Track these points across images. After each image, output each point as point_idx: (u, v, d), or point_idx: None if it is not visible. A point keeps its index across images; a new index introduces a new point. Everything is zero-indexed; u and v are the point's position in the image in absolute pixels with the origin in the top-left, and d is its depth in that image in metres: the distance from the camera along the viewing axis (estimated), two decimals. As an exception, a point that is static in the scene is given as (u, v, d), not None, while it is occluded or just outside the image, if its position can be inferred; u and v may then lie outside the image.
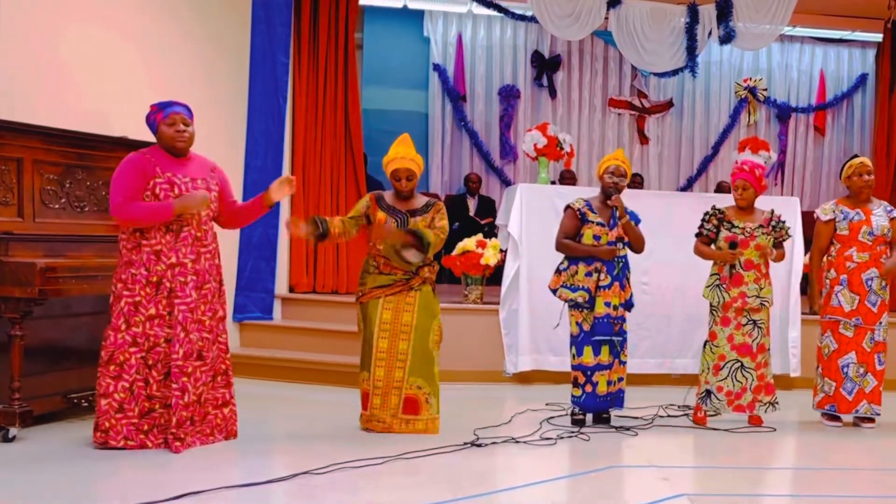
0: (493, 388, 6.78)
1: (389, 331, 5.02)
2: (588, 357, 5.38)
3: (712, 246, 5.63)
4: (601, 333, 5.35)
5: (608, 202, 5.40)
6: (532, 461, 4.68)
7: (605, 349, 5.38)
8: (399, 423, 5.02)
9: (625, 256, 5.44)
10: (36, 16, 5.27)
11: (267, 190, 4.79)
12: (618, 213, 5.35)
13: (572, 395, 5.48)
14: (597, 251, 5.33)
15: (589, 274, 5.35)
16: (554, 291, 5.47)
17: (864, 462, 4.98)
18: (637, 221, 5.50)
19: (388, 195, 5.15)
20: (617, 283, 5.36)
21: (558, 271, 5.49)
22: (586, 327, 5.37)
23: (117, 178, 4.46)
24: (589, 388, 5.39)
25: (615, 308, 5.35)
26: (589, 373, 5.38)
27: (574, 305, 5.40)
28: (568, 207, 5.49)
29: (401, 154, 5.06)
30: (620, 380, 5.47)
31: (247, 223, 5.05)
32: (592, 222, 5.38)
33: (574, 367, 5.46)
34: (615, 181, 5.39)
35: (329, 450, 4.56)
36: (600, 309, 5.33)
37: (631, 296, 5.47)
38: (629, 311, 5.49)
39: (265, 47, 7.39)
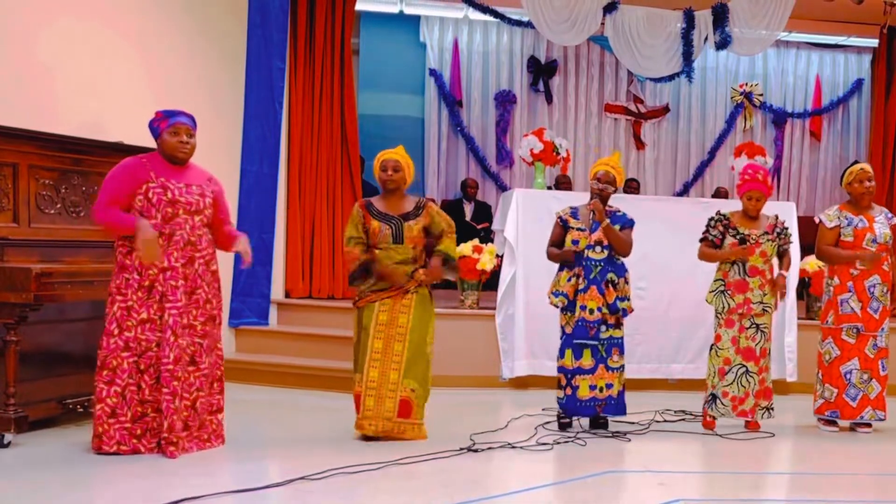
0: (490, 394, 6.77)
1: (385, 332, 5.01)
2: (568, 360, 5.40)
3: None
4: (579, 337, 5.37)
5: (588, 207, 5.43)
6: (528, 466, 4.67)
7: (586, 353, 5.38)
8: (392, 427, 4.99)
9: (605, 260, 5.39)
10: (31, 20, 5.26)
11: (237, 239, 4.78)
12: (595, 217, 5.37)
13: (557, 397, 5.51)
14: (560, 255, 5.43)
15: (569, 279, 5.40)
16: (549, 298, 5.53)
17: (861, 467, 4.98)
18: (627, 225, 5.48)
19: (376, 200, 5.17)
20: (594, 287, 5.35)
21: (554, 278, 5.54)
22: (568, 330, 5.42)
23: (107, 180, 4.50)
24: (569, 391, 5.41)
25: (591, 312, 5.35)
26: (569, 375, 5.40)
27: (561, 309, 5.46)
28: (556, 216, 5.58)
29: (391, 150, 5.20)
30: (609, 386, 5.42)
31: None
32: (573, 228, 5.44)
33: (558, 370, 5.50)
34: (600, 187, 5.44)
35: (325, 455, 4.55)
36: (577, 312, 5.36)
37: (616, 300, 5.38)
38: (620, 316, 5.43)
39: (261, 52, 7.40)
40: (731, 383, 5.55)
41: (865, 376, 5.61)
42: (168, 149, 4.55)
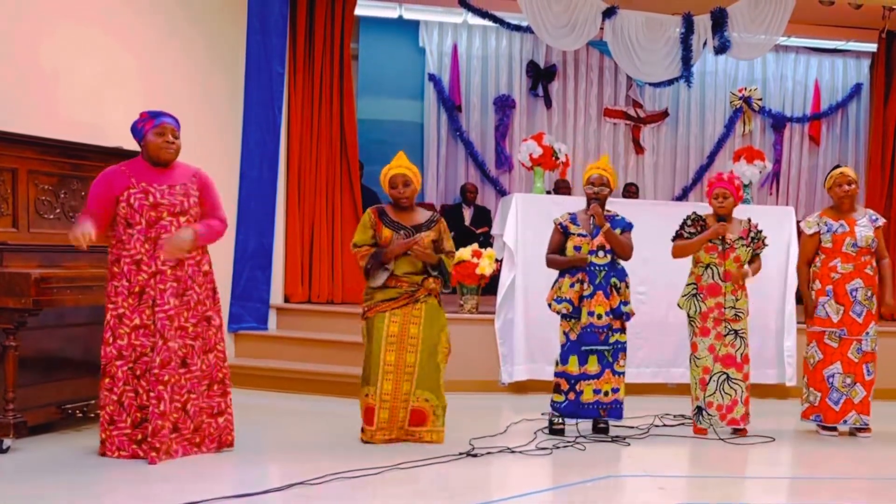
0: (489, 398, 6.77)
1: (396, 344, 4.99)
2: (573, 366, 5.38)
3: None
4: (587, 343, 5.36)
5: (586, 212, 5.43)
6: (527, 471, 4.68)
7: (592, 359, 5.37)
8: (405, 434, 5.02)
9: (608, 265, 5.40)
10: (34, 26, 5.27)
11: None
12: (595, 222, 5.36)
13: (552, 401, 5.49)
14: (570, 261, 5.39)
15: (572, 285, 5.39)
16: (550, 305, 5.51)
17: (859, 471, 4.98)
18: (627, 228, 5.49)
19: (388, 210, 5.14)
20: (601, 292, 5.35)
21: (553, 285, 5.53)
22: (573, 336, 5.40)
23: (89, 191, 4.55)
24: (572, 396, 5.40)
25: (599, 317, 5.34)
26: (573, 381, 5.39)
27: (563, 316, 5.43)
28: (554, 224, 5.56)
29: (396, 163, 5.12)
30: (616, 391, 5.42)
31: None
32: (574, 234, 5.44)
33: (557, 375, 5.48)
34: (595, 191, 5.44)
35: (324, 460, 4.55)
36: (584, 318, 5.35)
37: (620, 304, 5.40)
38: (624, 320, 5.45)
39: (260, 57, 7.40)
40: (714, 392, 5.54)
41: (849, 380, 5.59)
42: (153, 149, 4.53)
